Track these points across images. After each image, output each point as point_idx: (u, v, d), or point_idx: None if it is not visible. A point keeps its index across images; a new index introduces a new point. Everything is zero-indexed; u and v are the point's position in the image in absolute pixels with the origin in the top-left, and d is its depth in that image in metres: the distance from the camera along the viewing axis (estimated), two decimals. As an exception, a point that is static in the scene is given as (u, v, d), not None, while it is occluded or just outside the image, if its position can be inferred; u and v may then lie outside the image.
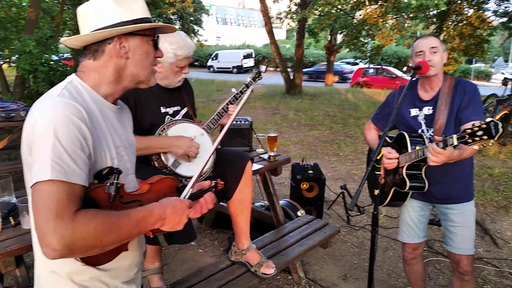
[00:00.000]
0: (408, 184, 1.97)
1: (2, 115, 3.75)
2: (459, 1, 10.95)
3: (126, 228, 0.98)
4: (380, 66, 21.91)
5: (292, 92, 13.81)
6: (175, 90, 2.26)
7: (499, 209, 4.30)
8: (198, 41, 23.06)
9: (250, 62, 31.57)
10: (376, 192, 1.81)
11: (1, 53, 7.07)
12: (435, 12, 11.08)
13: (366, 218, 4.03)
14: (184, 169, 2.12)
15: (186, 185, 1.21)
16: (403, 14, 10.80)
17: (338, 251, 3.38)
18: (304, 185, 3.74)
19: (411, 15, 10.74)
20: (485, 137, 1.44)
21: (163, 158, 2.08)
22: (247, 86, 2.50)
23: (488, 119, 1.46)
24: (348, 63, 29.08)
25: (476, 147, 1.49)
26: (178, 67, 2.15)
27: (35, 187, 0.91)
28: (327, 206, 4.19)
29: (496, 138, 1.42)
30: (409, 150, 1.95)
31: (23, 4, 8.90)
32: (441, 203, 2.16)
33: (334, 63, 26.00)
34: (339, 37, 17.99)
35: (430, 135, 2.04)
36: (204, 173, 2.19)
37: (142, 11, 1.11)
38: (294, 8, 15.71)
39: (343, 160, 6.14)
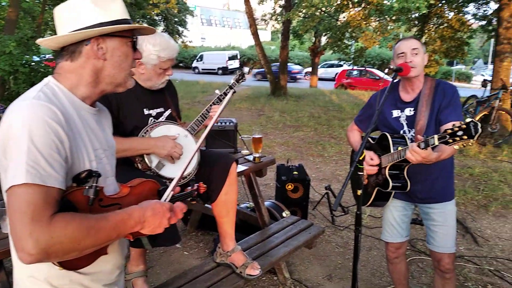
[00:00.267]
0: (390, 184, 2.00)
1: (-20, 117, 3.66)
2: (440, 4, 11.18)
3: (105, 231, 0.96)
4: (364, 68, 22.22)
5: (277, 94, 13.86)
6: (158, 91, 2.24)
7: (479, 208, 4.40)
8: (182, 42, 22.92)
9: (235, 64, 31.57)
10: (359, 192, 1.83)
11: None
12: (417, 14, 11.29)
13: (351, 218, 4.07)
14: (168, 170, 2.11)
15: (167, 188, 1.20)
16: (385, 16, 10.98)
17: (323, 251, 3.40)
18: (289, 186, 3.76)
19: (393, 18, 10.93)
20: (465, 137, 1.48)
21: (146, 160, 2.07)
22: (231, 88, 2.50)
23: (468, 119, 1.49)
24: (332, 65, 29.37)
25: (456, 147, 1.53)
26: (162, 69, 2.14)
27: (11, 191, 0.89)
28: (312, 207, 4.22)
29: (475, 138, 1.46)
30: (392, 150, 1.99)
31: (3, 3, 8.72)
32: (423, 203, 2.20)
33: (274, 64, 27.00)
34: (324, 39, 18.16)
35: (412, 135, 2.08)
36: (189, 175, 2.18)
37: (120, 13, 1.10)
38: (278, 10, 15.79)
39: (328, 161, 6.19)
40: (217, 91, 2.57)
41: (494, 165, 5.95)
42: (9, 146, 0.92)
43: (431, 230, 2.20)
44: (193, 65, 33.36)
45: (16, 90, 5.95)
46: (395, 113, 2.15)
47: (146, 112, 2.19)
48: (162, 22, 25.76)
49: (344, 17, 12.53)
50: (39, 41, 1.11)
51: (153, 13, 17.68)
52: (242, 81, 2.61)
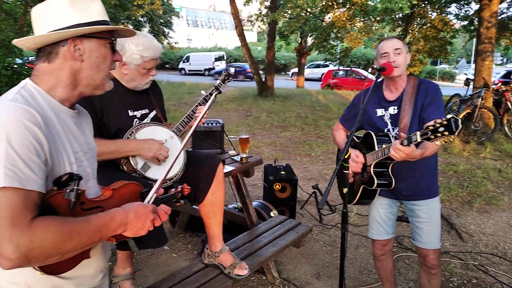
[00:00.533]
0: (375, 181, 2.02)
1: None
2: (423, 5, 11.35)
3: (86, 234, 0.95)
4: (350, 68, 22.42)
5: (264, 94, 13.89)
6: (142, 92, 2.23)
7: (464, 204, 4.48)
8: (168, 43, 22.79)
9: (222, 65, 31.54)
10: (345, 190, 1.85)
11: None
12: (400, 15, 11.44)
13: (338, 216, 4.10)
14: (153, 172, 2.10)
15: (150, 190, 1.19)
16: (370, 17, 11.10)
17: (311, 250, 3.42)
18: (277, 186, 3.77)
19: (378, 18, 11.06)
20: (446, 133, 1.51)
21: (132, 161, 2.05)
22: (217, 89, 2.50)
23: (449, 116, 1.52)
24: (318, 65, 29.58)
25: (438, 143, 1.56)
26: (145, 69, 2.13)
27: None
28: (299, 206, 4.24)
29: (456, 134, 1.49)
30: (376, 149, 2.01)
31: (-17, 5, 8.56)
32: (408, 200, 2.23)
33: (238, 63, 27.60)
34: (309, 40, 18.28)
35: (396, 133, 2.10)
36: (175, 176, 2.17)
37: (99, 14, 1.10)
38: (264, 11, 15.82)
39: (315, 161, 6.22)
40: (203, 92, 2.57)
41: (477, 162, 6.07)
42: None
43: (416, 226, 2.23)
44: (180, 66, 33.24)
45: (-2, 93, 5.84)
46: (379, 111, 2.18)
47: (130, 113, 2.17)
48: (147, 24, 25.61)
49: (329, 18, 12.64)
50: (15, 41, 1.09)
51: (138, 14, 17.53)
52: (228, 81, 2.62)
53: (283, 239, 2.81)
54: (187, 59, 32.97)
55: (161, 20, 26.21)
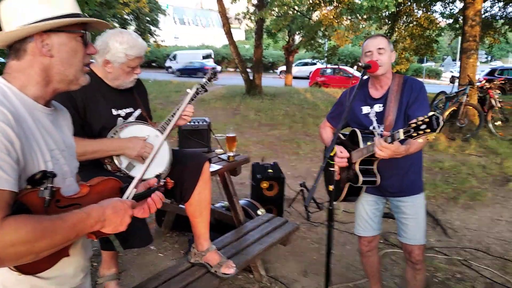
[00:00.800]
0: (361, 179, 2.03)
1: None
2: (408, 3, 11.46)
3: (61, 232, 0.93)
4: (337, 66, 22.55)
5: (252, 93, 13.88)
6: (127, 91, 2.20)
7: (449, 200, 4.54)
8: (155, 41, 22.61)
9: (209, 63, 31.43)
10: (331, 188, 1.86)
11: None
12: (387, 13, 11.54)
13: (325, 214, 4.10)
14: (138, 171, 2.06)
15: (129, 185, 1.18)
16: (357, 15, 11.17)
17: (298, 247, 3.43)
18: (264, 184, 3.77)
19: (365, 16, 11.14)
20: (428, 130, 1.52)
21: (116, 161, 2.02)
22: (203, 87, 2.48)
23: (430, 113, 1.53)
24: (306, 63, 29.68)
25: (420, 140, 1.57)
26: (130, 67, 2.10)
27: None
28: (287, 204, 4.24)
29: (437, 131, 1.50)
30: (361, 146, 2.02)
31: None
32: (393, 196, 2.24)
33: (197, 61, 28.17)
34: (297, 38, 18.32)
35: (381, 131, 2.11)
36: (161, 174, 2.14)
37: (68, 7, 1.07)
38: (252, 9, 15.80)
39: (303, 159, 6.24)
40: (188, 90, 2.54)
41: (462, 159, 6.16)
42: None
43: (402, 223, 2.25)
44: (167, 64, 33.02)
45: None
46: (365, 109, 2.19)
47: (114, 112, 2.14)
48: (133, 22, 25.34)
49: (316, 16, 12.68)
50: None
51: (124, 12, 17.31)
52: (215, 79, 2.59)
53: (270, 237, 2.81)
54: (174, 57, 32.78)
55: (148, 18, 25.95)
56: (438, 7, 12.86)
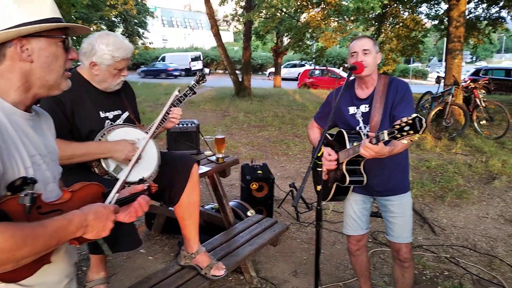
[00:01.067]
0: (348, 179, 2.05)
1: None
2: (395, 5, 11.60)
3: (42, 239, 0.92)
4: (325, 68, 22.70)
5: (241, 94, 13.89)
6: (114, 93, 2.19)
7: (436, 199, 4.61)
8: (143, 44, 22.49)
9: (198, 65, 31.37)
10: (319, 188, 1.88)
11: None
12: (373, 15, 11.66)
13: (315, 214, 4.13)
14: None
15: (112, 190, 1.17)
16: (344, 17, 11.26)
17: (288, 248, 3.44)
18: (254, 185, 3.77)
19: (352, 18, 11.23)
20: (412, 132, 1.55)
21: (103, 164, 2.01)
22: (191, 89, 2.48)
23: (414, 115, 1.56)
24: (295, 65, 29.81)
25: (404, 141, 1.60)
26: (116, 69, 2.09)
27: None
28: (277, 205, 4.26)
29: (420, 132, 1.53)
30: (347, 146, 2.04)
31: None
32: (380, 196, 2.27)
33: (158, 62, 28.56)
34: (285, 40, 18.40)
35: (367, 131, 2.14)
36: (149, 178, 2.14)
37: (48, 11, 1.06)
38: (240, 10, 15.82)
39: (292, 159, 6.27)
40: (176, 92, 2.54)
41: (449, 158, 6.25)
42: None
43: (389, 221, 2.28)
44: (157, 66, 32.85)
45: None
46: (351, 110, 2.22)
47: (102, 115, 2.13)
48: (121, 24, 25.17)
49: (304, 18, 12.75)
50: None
51: (111, 14, 17.20)
52: (203, 82, 2.60)
53: (260, 238, 2.82)
54: (163, 59, 32.64)
55: (136, 21, 25.81)
56: (423, 8, 13.04)
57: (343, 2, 10.29)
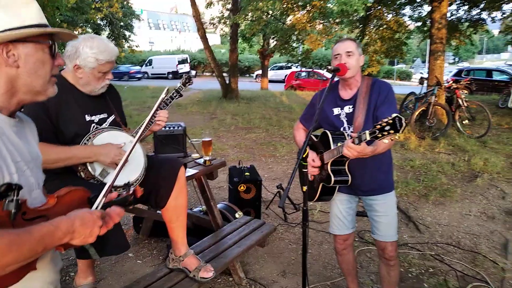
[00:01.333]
0: (332, 179, 2.09)
1: None
2: (378, 7, 11.77)
3: (28, 245, 0.91)
4: (311, 69, 22.88)
5: (229, 97, 13.91)
6: (99, 97, 2.19)
7: (420, 197, 4.69)
8: (129, 47, 22.33)
9: (185, 68, 31.27)
10: (304, 188, 1.91)
11: None
12: (358, 17, 11.81)
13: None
14: (113, 178, 2.06)
15: (98, 196, 1.17)
16: (329, 19, 11.38)
17: (276, 248, 3.47)
18: (242, 187, 3.79)
19: (337, 20, 11.36)
20: (392, 131, 1.59)
21: (89, 168, 2.01)
22: (177, 92, 2.49)
23: (394, 115, 1.60)
24: (281, 67, 29.96)
25: (386, 140, 1.64)
26: (101, 73, 2.09)
27: None
28: (265, 206, 4.29)
29: (401, 132, 1.57)
30: (332, 147, 2.08)
31: None
32: (365, 195, 2.31)
33: (124, 65, 29.20)
34: (272, 42, 18.49)
35: (351, 132, 2.18)
36: (136, 181, 2.14)
37: (34, 17, 1.06)
38: (226, 13, 15.85)
39: (280, 161, 6.31)
40: (163, 95, 2.54)
41: (432, 157, 6.36)
42: None
43: (374, 220, 2.32)
44: (142, 70, 32.63)
45: None
46: (336, 110, 2.26)
47: (88, 118, 2.13)
48: (107, 27, 24.96)
49: (290, 20, 12.84)
50: None
51: (96, 17, 17.04)
52: (189, 84, 2.61)
53: (248, 239, 2.84)
54: (150, 62, 32.45)
55: (122, 23, 25.63)
56: (407, 10, 13.30)
57: (328, 5, 10.41)
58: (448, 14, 10.39)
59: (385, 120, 1.61)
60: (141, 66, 33.30)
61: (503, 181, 5.19)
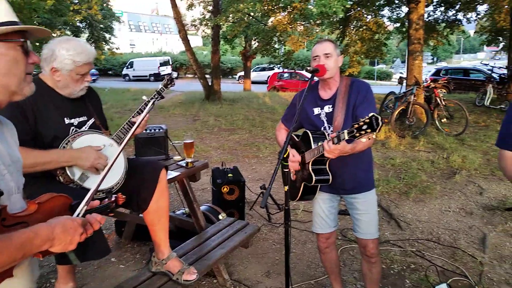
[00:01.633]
0: (314, 178, 2.11)
1: None
2: (358, 8, 11.94)
3: (7, 252, 0.89)
4: (294, 71, 23.02)
5: (211, 98, 13.85)
6: (79, 99, 2.16)
7: (401, 195, 4.78)
8: (109, 49, 22.03)
9: (167, 70, 31.02)
10: (286, 188, 1.92)
11: None
12: (337, 18, 11.95)
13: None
14: (92, 182, 2.03)
15: (80, 203, 1.15)
16: (310, 21, 11.48)
17: (260, 249, 3.48)
18: (225, 189, 3.79)
19: (317, 22, 11.47)
20: (369, 130, 1.62)
21: (68, 172, 1.98)
22: (159, 94, 2.47)
23: (370, 114, 1.64)
24: (264, 68, 30.05)
25: (364, 139, 1.67)
26: (79, 75, 2.06)
27: None
28: (248, 207, 4.29)
29: (377, 131, 1.61)
30: (313, 147, 2.10)
31: None
32: (347, 194, 2.34)
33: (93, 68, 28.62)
34: (254, 43, 18.54)
35: (331, 131, 2.21)
36: (116, 185, 2.12)
37: (4, 15, 1.03)
38: (208, 15, 15.81)
39: (263, 162, 6.33)
40: (144, 97, 2.53)
41: (412, 155, 6.49)
42: None
43: (356, 218, 2.35)
44: (124, 72, 32.25)
45: None
46: (316, 110, 2.28)
47: (67, 121, 2.10)
48: (86, 29, 24.58)
49: (271, 22, 12.90)
50: None
51: (75, 20, 16.74)
52: (171, 85, 2.59)
53: (232, 240, 2.84)
54: (131, 64, 32.08)
55: (101, 26, 25.26)
56: (386, 11, 13.50)
57: (310, 6, 10.50)
58: (425, 15, 10.64)
59: (362, 119, 1.64)
60: (122, 68, 32.90)
61: (480, 178, 5.33)
